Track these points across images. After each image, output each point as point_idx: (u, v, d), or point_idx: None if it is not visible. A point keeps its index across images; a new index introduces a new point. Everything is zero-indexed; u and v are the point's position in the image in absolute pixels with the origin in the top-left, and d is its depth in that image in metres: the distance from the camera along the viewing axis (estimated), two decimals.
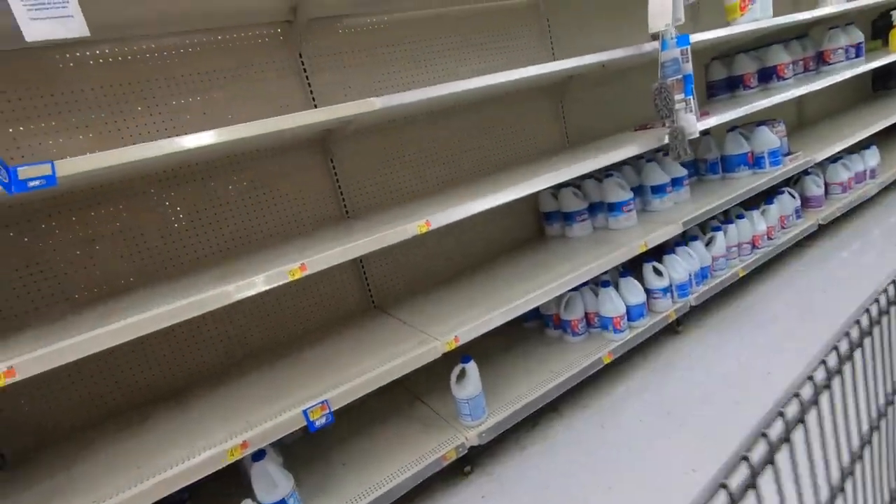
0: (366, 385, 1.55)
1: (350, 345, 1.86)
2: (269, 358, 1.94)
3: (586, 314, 2.28)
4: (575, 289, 2.23)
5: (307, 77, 1.99)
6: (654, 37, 2.26)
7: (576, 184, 2.61)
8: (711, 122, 2.31)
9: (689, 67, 2.04)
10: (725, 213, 2.86)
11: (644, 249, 2.21)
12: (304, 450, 1.93)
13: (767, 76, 3.19)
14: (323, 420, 1.47)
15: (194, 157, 1.70)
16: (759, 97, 2.81)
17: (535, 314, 2.45)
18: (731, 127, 2.95)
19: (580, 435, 1.94)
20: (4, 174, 1.03)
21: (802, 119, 4.20)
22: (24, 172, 1.06)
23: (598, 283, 2.29)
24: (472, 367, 1.82)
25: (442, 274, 2.47)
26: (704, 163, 3.00)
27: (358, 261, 2.22)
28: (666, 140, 2.21)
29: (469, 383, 1.81)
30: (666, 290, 2.33)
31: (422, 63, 2.29)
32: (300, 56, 1.97)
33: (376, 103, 1.50)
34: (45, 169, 1.08)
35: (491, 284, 2.17)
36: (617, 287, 2.25)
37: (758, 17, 2.54)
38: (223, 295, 1.32)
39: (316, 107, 2.02)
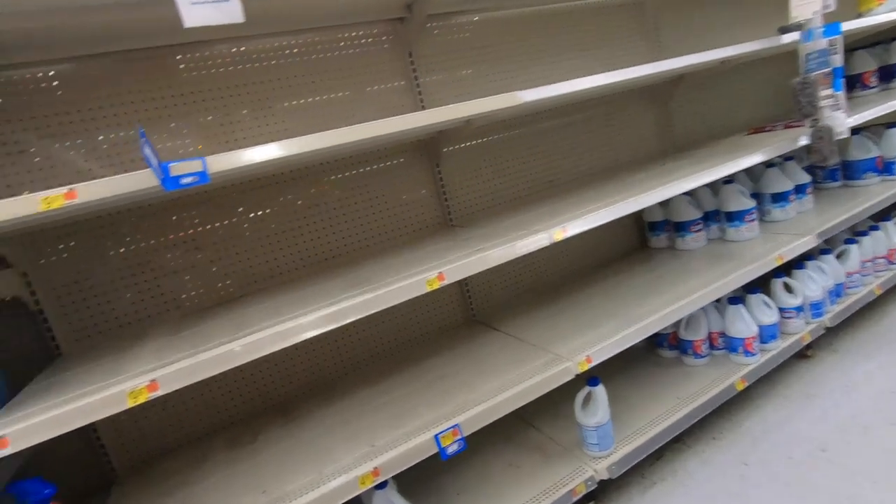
0: (499, 408, 1.39)
1: (466, 362, 1.72)
2: (375, 371, 1.82)
3: (710, 334, 2.06)
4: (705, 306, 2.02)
5: (416, 76, 1.90)
6: (783, 29, 2.05)
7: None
8: (856, 119, 2.07)
9: (838, 60, 1.82)
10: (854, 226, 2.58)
11: (780, 262, 1.98)
12: (411, 474, 1.78)
13: (890, 75, 2.90)
14: (455, 447, 1.32)
15: (303, 160, 1.62)
16: (886, 97, 2.53)
17: None
18: (855, 129, 2.67)
19: (719, 471, 1.72)
20: (160, 171, 0.95)
21: None
22: (175, 169, 0.98)
23: (720, 300, 2.07)
24: (600, 392, 1.64)
25: (542, 286, 2.30)
26: (821, 169, 2.73)
27: None
28: (803, 142, 1.99)
29: (598, 409, 1.62)
30: (799, 310, 2.08)
31: (529, 62, 2.16)
32: (409, 55, 1.88)
33: (524, 97, 1.37)
34: (196, 165, 0.99)
35: (605, 300, 1.98)
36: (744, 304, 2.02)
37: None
38: (365, 304, 1.20)
39: (424, 107, 1.92)
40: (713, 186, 2.34)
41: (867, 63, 2.88)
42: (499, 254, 1.36)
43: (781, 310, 2.08)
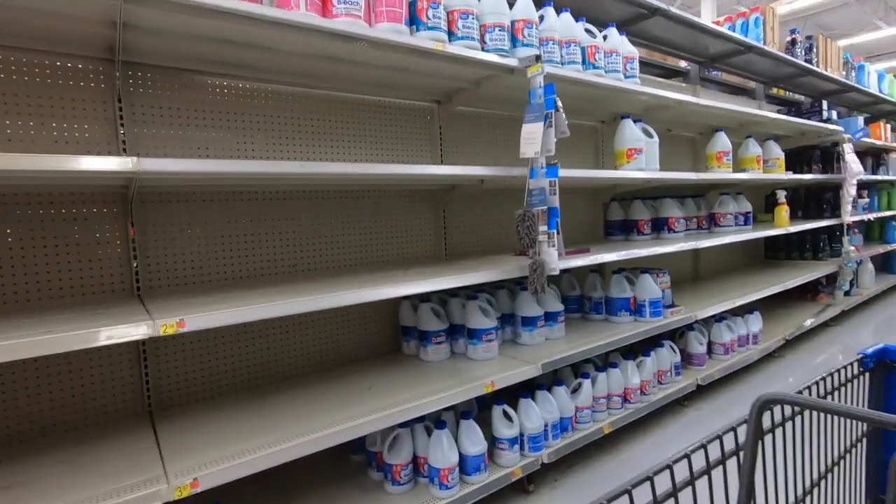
0: None
1: (68, 466, 1.37)
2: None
3: (415, 458, 1.89)
4: (405, 424, 1.87)
5: (121, 121, 1.70)
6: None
7: (445, 298, 2.36)
8: (576, 262, 2.17)
9: (555, 200, 1.92)
10: (606, 358, 2.67)
11: (490, 390, 1.91)
12: None
13: (660, 226, 3.23)
14: None
15: None
16: (647, 245, 2.77)
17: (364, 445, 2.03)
18: (619, 269, 2.87)
19: None
20: None
21: (698, 273, 4.31)
22: None
23: (435, 422, 1.94)
24: None
25: (269, 375, 2.05)
26: (589, 300, 2.86)
27: (139, 347, 1.78)
28: (527, 271, 2.03)
29: None
30: (514, 441, 2.00)
31: (303, 140, 2.07)
32: (118, 101, 1.69)
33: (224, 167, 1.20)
34: None
35: (314, 401, 1.78)
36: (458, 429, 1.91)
37: (643, 168, 2.56)
38: None
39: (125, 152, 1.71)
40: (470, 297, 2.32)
41: (642, 212, 3.19)
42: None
43: (495, 440, 2.00)
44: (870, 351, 1.03)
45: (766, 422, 0.82)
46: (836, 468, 1.01)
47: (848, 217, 4.40)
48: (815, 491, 0.97)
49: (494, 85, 2.16)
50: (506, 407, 2.03)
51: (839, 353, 3.88)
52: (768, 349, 3.50)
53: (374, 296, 1.62)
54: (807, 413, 0.82)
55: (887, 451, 1.04)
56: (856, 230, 4.98)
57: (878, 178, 5.39)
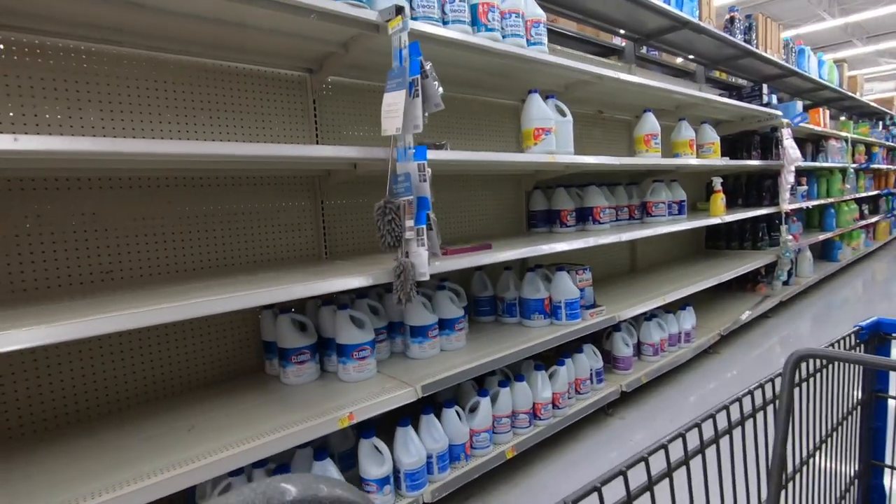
0: None
1: None
2: None
3: None
4: (239, 471, 1.49)
5: None
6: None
7: (322, 304, 1.97)
8: (459, 263, 1.81)
9: (425, 188, 1.55)
10: (519, 368, 2.35)
11: (346, 424, 1.55)
12: None
13: (585, 217, 2.93)
14: None
15: None
16: (569, 238, 2.45)
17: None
18: (535, 265, 2.56)
19: None
20: None
21: (635, 265, 4.07)
22: None
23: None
24: None
25: (69, 414, 1.62)
26: (503, 302, 2.54)
27: None
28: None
29: None
30: (384, 482, 1.65)
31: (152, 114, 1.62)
32: None
33: None
34: None
35: (103, 450, 1.37)
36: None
37: (553, 150, 2.22)
38: None
39: None
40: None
41: (566, 202, 2.88)
42: None
43: (363, 481, 1.64)
44: (865, 323, 1.06)
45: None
46: (833, 435, 1.03)
47: (786, 205, 4.25)
48: (817, 454, 1.00)
49: (363, 48, 1.77)
50: (375, 440, 1.67)
51: (777, 346, 3.73)
52: (702, 346, 3.28)
53: (156, 318, 1.22)
54: (806, 383, 0.91)
55: (878, 420, 1.11)
56: (794, 218, 4.87)
57: (817, 164, 5.31)
